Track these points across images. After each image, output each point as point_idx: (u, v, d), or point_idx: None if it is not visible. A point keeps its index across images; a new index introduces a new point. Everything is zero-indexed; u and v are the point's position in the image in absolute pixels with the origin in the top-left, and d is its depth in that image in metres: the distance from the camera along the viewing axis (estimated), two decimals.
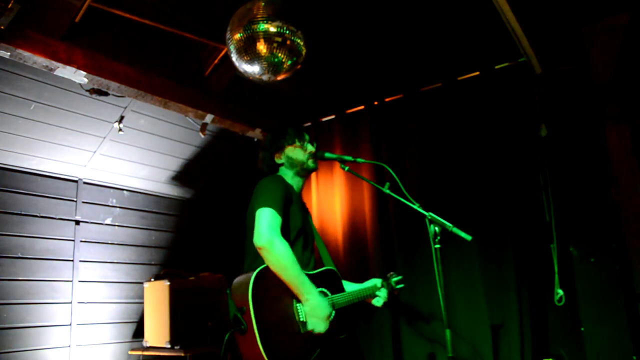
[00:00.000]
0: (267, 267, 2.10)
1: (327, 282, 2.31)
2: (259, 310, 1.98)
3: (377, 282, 2.55)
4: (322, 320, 2.12)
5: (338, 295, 2.29)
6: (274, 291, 2.09)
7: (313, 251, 2.47)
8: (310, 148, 2.49)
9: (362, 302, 2.49)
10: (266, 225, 2.11)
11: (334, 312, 2.23)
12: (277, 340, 2.00)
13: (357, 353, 3.49)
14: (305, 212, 2.49)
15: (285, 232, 2.26)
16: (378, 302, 2.51)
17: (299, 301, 2.13)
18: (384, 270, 3.40)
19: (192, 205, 4.61)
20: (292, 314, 2.10)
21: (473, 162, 3.25)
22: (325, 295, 2.24)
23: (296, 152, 2.47)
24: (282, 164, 2.49)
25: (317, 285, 2.22)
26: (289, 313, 2.10)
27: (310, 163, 2.47)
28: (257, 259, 2.15)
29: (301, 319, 2.10)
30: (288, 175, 2.48)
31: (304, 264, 2.30)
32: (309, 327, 2.09)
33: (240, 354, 2.05)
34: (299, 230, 2.32)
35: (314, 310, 2.11)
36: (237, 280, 2.14)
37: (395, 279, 2.62)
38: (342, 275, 2.53)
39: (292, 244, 2.26)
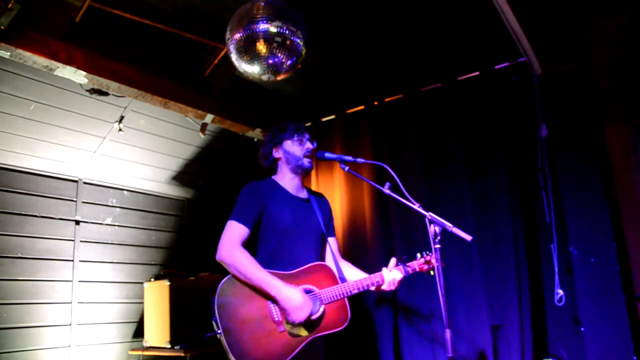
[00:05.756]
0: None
1: (314, 277, 2.29)
2: (225, 317, 2.09)
3: (390, 265, 2.42)
4: (297, 310, 2.12)
5: (326, 289, 2.26)
6: (243, 296, 2.15)
7: (311, 249, 2.42)
8: (309, 145, 2.47)
9: (366, 293, 2.41)
10: (224, 239, 2.23)
11: (322, 307, 2.22)
12: (249, 344, 2.07)
13: (352, 350, 3.49)
14: (303, 211, 2.44)
15: (262, 236, 2.32)
16: (384, 285, 2.36)
17: (272, 302, 2.16)
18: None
19: (192, 205, 4.61)
20: (266, 316, 2.14)
21: (473, 162, 3.25)
22: (311, 291, 2.23)
23: (293, 147, 2.45)
24: (279, 159, 2.48)
25: (301, 283, 2.22)
26: (262, 315, 2.14)
27: (305, 162, 2.44)
28: None
29: (277, 319, 2.13)
30: (285, 172, 2.47)
31: (292, 262, 2.29)
32: (291, 320, 2.12)
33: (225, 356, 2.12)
34: (284, 229, 2.32)
35: (287, 303, 2.12)
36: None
37: (422, 259, 2.42)
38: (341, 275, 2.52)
39: (275, 245, 2.30)
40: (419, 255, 2.49)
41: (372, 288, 2.39)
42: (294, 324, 2.14)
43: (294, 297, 2.14)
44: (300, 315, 2.13)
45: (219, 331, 2.07)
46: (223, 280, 2.16)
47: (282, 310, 2.15)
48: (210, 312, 2.17)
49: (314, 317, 2.17)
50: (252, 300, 2.15)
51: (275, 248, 2.30)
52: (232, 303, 2.13)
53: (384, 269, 2.42)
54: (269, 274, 2.16)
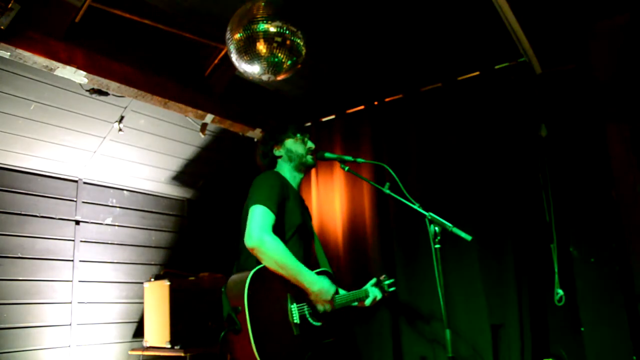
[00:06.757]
0: (264, 267, 2.08)
1: None
2: (254, 311, 1.96)
3: (370, 283, 2.55)
4: (328, 302, 2.18)
5: (335, 296, 2.26)
6: (269, 292, 2.07)
7: (311, 250, 2.45)
8: (310, 144, 2.51)
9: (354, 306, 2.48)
10: (257, 225, 2.09)
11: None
12: (270, 342, 1.98)
13: (351, 356, 3.49)
14: (304, 210, 2.46)
15: (281, 229, 2.24)
16: (367, 301, 2.47)
17: (292, 302, 2.11)
18: (383, 270, 3.40)
19: (192, 205, 4.61)
20: (285, 316, 2.09)
21: (473, 162, 3.25)
22: None
23: (296, 145, 2.48)
24: (280, 157, 2.48)
25: None
26: (282, 314, 2.08)
27: (309, 158, 2.48)
28: (251, 256, 2.13)
29: (294, 321, 2.09)
30: (285, 170, 2.46)
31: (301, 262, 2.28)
32: (320, 310, 2.15)
33: (233, 353, 2.02)
34: (296, 227, 2.29)
35: (321, 295, 2.14)
36: (233, 278, 2.12)
37: (387, 282, 2.62)
38: (340, 275, 2.53)
39: (287, 242, 2.23)
40: (383, 276, 2.64)
41: (356, 303, 2.43)
42: (326, 312, 2.14)
43: (330, 289, 2.18)
44: (329, 307, 2.17)
45: (248, 322, 1.93)
46: (251, 273, 2.02)
47: (314, 301, 2.16)
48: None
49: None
50: (276, 299, 2.09)
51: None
52: (260, 299, 2.02)
53: (367, 285, 2.51)
54: (303, 265, 2.14)
